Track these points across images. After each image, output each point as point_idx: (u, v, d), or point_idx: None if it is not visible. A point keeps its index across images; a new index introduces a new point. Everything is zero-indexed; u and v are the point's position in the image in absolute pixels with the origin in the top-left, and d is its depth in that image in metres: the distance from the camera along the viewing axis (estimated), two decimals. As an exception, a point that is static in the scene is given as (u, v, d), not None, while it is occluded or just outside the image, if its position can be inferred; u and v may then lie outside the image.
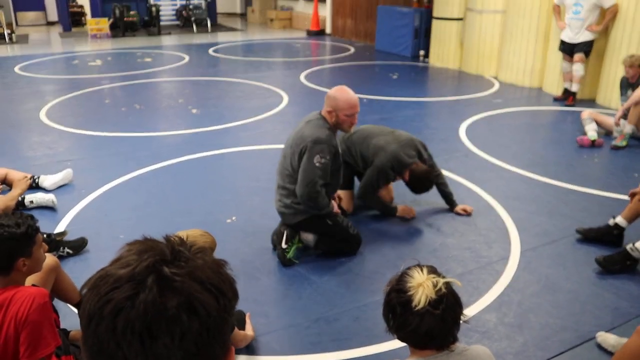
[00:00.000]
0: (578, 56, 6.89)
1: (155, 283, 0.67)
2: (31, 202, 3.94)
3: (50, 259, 2.34)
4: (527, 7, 7.85)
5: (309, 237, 3.36)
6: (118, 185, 4.40)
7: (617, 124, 5.51)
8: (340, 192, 3.92)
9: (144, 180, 4.54)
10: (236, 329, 2.36)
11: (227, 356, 0.75)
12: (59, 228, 3.66)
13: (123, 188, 4.37)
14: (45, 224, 3.71)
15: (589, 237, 3.54)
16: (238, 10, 20.33)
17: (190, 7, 15.69)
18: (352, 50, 11.98)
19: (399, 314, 1.54)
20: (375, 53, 11.54)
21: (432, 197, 4.21)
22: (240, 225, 3.76)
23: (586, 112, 5.74)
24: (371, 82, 8.65)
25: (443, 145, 5.42)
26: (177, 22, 16.24)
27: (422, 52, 10.63)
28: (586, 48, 6.90)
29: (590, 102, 7.23)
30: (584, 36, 6.85)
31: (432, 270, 1.59)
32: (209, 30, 15.25)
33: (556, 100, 7.34)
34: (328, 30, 14.66)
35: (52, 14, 16.42)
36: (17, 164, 4.61)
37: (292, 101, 7.27)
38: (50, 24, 16.60)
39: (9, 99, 7.37)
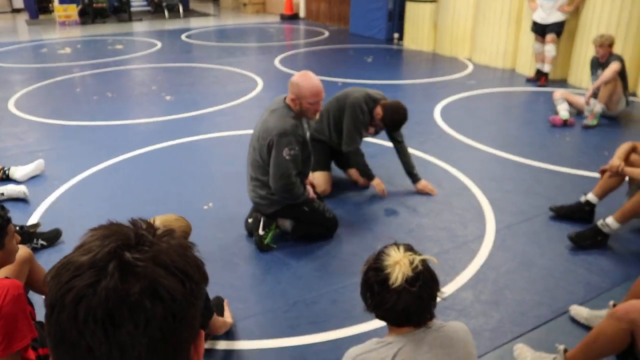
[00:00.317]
0: (550, 37, 6.98)
1: (117, 269, 0.65)
2: (2, 194, 3.85)
3: (23, 250, 2.29)
4: (499, -11, 7.89)
5: (285, 223, 3.36)
6: (91, 175, 4.33)
7: (588, 103, 5.61)
8: (318, 174, 3.92)
9: (118, 169, 4.48)
10: (215, 316, 2.35)
11: (196, 340, 0.73)
12: (32, 220, 3.59)
13: (97, 177, 4.30)
14: (17, 216, 3.63)
15: (561, 214, 3.61)
16: (210, -5, 20.02)
17: (162, -8, 15.40)
18: (327, 34, 11.91)
19: (377, 292, 1.56)
20: (350, 36, 11.50)
21: (408, 178, 4.24)
22: (217, 212, 3.74)
23: (558, 92, 5.83)
24: (346, 66, 8.62)
25: (418, 128, 5.45)
26: (148, 8, 15.93)
27: (396, 35, 10.62)
28: (558, 28, 6.98)
29: (562, 83, 7.33)
30: (556, 17, 6.93)
31: (409, 248, 1.61)
32: (181, 15, 15.00)
33: (529, 81, 7.43)
34: (302, 14, 14.55)
35: (18, 0, 15.94)
36: (-14, 155, 4.50)
37: (267, 86, 7.22)
38: (15, 11, 16.13)
39: (-25, 89, 7.17)
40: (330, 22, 13.42)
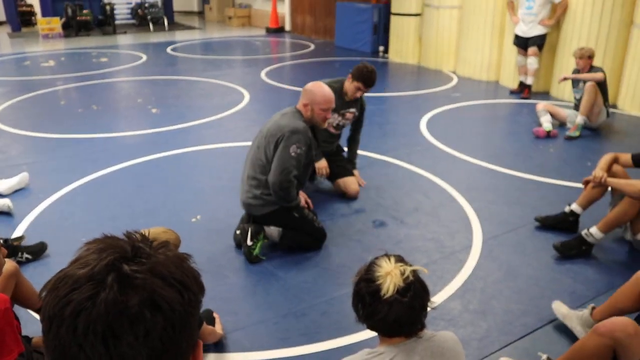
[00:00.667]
0: (532, 50, 7.11)
1: (116, 281, 0.65)
2: (-15, 207, 3.81)
3: (9, 264, 2.27)
4: (482, 3, 8.03)
5: (273, 233, 3.36)
6: (77, 188, 4.30)
7: (563, 79, 5.84)
8: (347, 179, 4.11)
9: (104, 182, 4.45)
10: (204, 324, 2.34)
11: (195, 351, 0.74)
12: (17, 233, 3.55)
13: (82, 191, 4.27)
14: (1, 230, 3.60)
15: (546, 224, 3.66)
16: (195, 8, 20.08)
17: (146, 5, 15.41)
18: (312, 47, 11.99)
19: (368, 303, 1.57)
20: (335, 49, 11.59)
21: (396, 190, 4.28)
22: (205, 224, 3.72)
23: (541, 104, 5.93)
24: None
25: (404, 140, 5.50)
26: (133, 21, 15.90)
27: (381, 48, 10.74)
28: (539, 42, 7.12)
29: (545, 95, 7.46)
30: (537, 30, 7.07)
31: (400, 259, 1.62)
32: (166, 28, 15.01)
33: (512, 93, 7.55)
34: (287, 27, 14.64)
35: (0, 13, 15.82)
36: (-31, 168, 4.44)
37: (253, 99, 7.23)
38: (-2, 23, 16.00)
39: (-43, 102, 7.08)
40: (316, 35, 13.52)
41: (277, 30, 14.52)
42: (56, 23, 13.41)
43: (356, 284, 1.63)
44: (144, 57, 10.45)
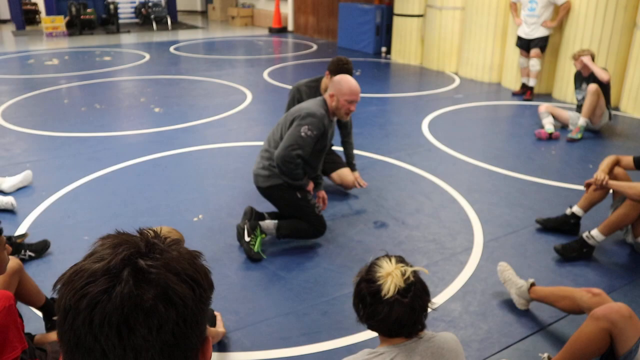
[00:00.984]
0: (534, 51, 7.12)
1: (131, 275, 0.67)
2: (-11, 205, 3.83)
3: (13, 261, 2.28)
4: (485, 4, 8.04)
5: (269, 225, 3.39)
6: (80, 187, 4.31)
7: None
8: (341, 171, 4.13)
9: (107, 180, 4.46)
10: (208, 327, 2.36)
11: (204, 346, 0.76)
12: (20, 231, 3.57)
13: (85, 189, 4.28)
14: (4, 227, 3.60)
15: (548, 226, 3.67)
16: (198, 7, 20.12)
17: (150, 4, 15.45)
18: (315, 47, 12.01)
19: (369, 303, 1.58)
20: (338, 50, 11.60)
21: (397, 191, 4.29)
22: (207, 224, 3.74)
23: (543, 106, 5.93)
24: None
25: (406, 140, 5.51)
26: (136, 20, 15.96)
27: (384, 49, 10.75)
28: (542, 43, 7.12)
29: (547, 97, 7.47)
30: (540, 32, 7.08)
31: (401, 260, 1.63)
32: (169, 28, 15.04)
33: (514, 94, 7.55)
34: (290, 27, 14.65)
35: (4, 11, 15.87)
36: (-27, 166, 4.47)
37: (256, 99, 7.25)
38: (1, 22, 16.06)
39: (-39, 99, 7.11)
40: (319, 35, 13.53)
41: (280, 30, 14.54)
42: (60, 22, 13.46)
43: (357, 285, 1.64)
44: (147, 56, 10.48)
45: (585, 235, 3.31)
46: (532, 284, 2.78)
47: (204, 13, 19.41)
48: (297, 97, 4.08)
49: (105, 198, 4.12)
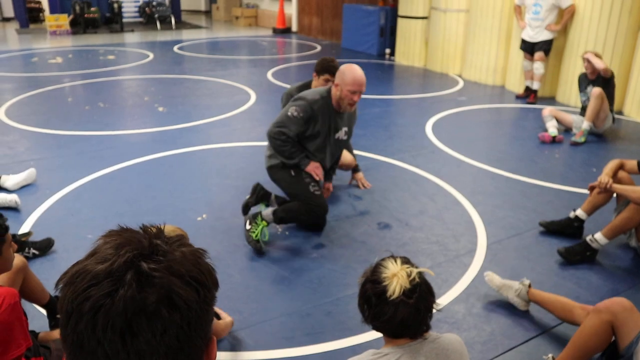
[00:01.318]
0: (538, 55, 7.11)
1: (134, 279, 0.66)
2: (-7, 202, 3.83)
3: (18, 259, 2.29)
4: (490, 7, 8.03)
5: (269, 212, 3.43)
6: (84, 185, 4.32)
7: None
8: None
9: (110, 179, 4.47)
10: (215, 320, 2.37)
11: (209, 347, 0.75)
12: (24, 229, 3.57)
13: (89, 187, 4.29)
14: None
15: (551, 229, 3.67)
16: (202, 7, 20.14)
17: (154, 3, 15.46)
18: (319, 48, 12.01)
19: (374, 304, 1.58)
20: (342, 51, 11.60)
21: (401, 192, 4.29)
22: (211, 223, 3.74)
23: (547, 110, 5.93)
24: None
25: (410, 142, 5.51)
26: (140, 19, 15.96)
27: (388, 51, 10.75)
28: (546, 47, 7.12)
29: (551, 100, 7.46)
30: (544, 35, 7.07)
31: (406, 261, 1.63)
32: (173, 27, 15.06)
33: (518, 97, 7.55)
34: (294, 28, 14.66)
35: (8, 9, 15.91)
36: (-23, 163, 4.47)
37: (259, 99, 7.26)
38: (5, 20, 16.09)
39: (-35, 97, 7.13)
40: (323, 36, 13.54)
41: (284, 31, 14.55)
42: (64, 20, 13.48)
43: (362, 285, 1.64)
44: (151, 56, 10.49)
45: (588, 238, 3.31)
46: (529, 286, 2.81)
47: (207, 13, 19.43)
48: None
49: (108, 197, 4.13)
